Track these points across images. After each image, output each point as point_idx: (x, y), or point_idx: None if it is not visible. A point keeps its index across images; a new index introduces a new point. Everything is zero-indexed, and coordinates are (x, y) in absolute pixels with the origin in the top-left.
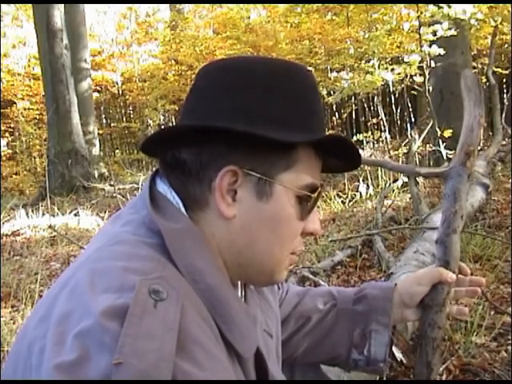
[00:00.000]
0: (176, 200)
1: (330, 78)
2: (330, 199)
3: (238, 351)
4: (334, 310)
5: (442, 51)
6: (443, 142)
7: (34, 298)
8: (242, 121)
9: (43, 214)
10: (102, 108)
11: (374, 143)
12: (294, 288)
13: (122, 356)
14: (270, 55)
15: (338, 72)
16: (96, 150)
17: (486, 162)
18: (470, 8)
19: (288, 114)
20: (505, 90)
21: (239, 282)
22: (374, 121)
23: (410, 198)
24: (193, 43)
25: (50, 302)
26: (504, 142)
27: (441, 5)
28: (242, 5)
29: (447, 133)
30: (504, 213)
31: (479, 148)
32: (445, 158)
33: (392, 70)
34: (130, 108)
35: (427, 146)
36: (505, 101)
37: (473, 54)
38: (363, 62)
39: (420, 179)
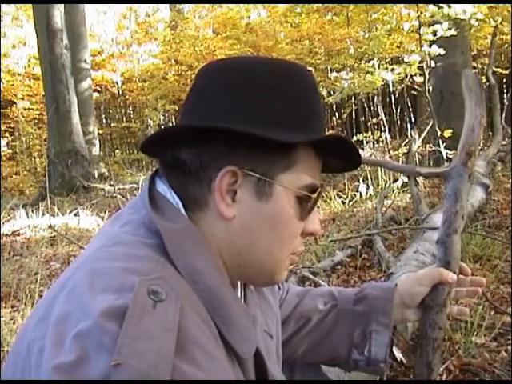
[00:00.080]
0: (175, 200)
1: (330, 78)
2: (330, 199)
3: (238, 352)
4: (335, 311)
5: (442, 51)
6: (443, 142)
7: (33, 298)
8: (242, 121)
9: (43, 214)
10: (102, 108)
11: (373, 143)
12: (295, 288)
13: (121, 357)
14: (270, 55)
15: (338, 72)
16: (96, 150)
17: (485, 162)
18: (470, 8)
19: (288, 114)
20: (505, 90)
21: (239, 283)
22: (374, 121)
23: (410, 198)
24: (193, 43)
25: (50, 303)
26: (504, 142)
27: (441, 5)
28: (242, 5)
29: (447, 133)
30: (504, 213)
31: (479, 148)
32: (445, 158)
33: (392, 70)
34: (130, 108)
35: (427, 145)
36: (505, 101)
37: (473, 54)
38: (363, 62)
39: (420, 179)
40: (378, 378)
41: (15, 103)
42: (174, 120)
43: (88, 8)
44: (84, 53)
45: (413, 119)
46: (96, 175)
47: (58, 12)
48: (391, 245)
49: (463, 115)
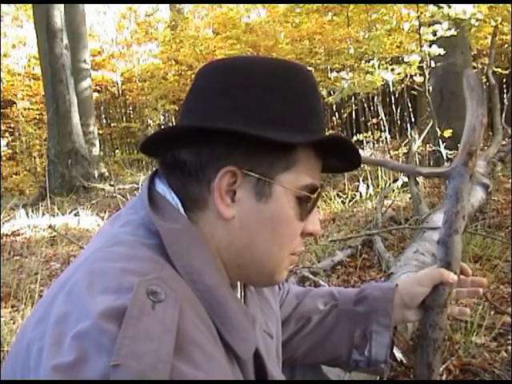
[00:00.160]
0: (175, 200)
1: (330, 78)
2: (330, 199)
3: (237, 352)
4: (335, 311)
5: (442, 51)
6: (443, 142)
7: (34, 298)
8: (242, 121)
9: (43, 214)
10: (102, 108)
11: (373, 143)
12: (295, 289)
13: (120, 357)
14: (270, 55)
15: (338, 72)
16: (96, 150)
17: (485, 162)
18: (470, 8)
19: (288, 114)
20: (505, 90)
21: (239, 283)
22: (374, 121)
23: (410, 198)
24: (193, 43)
25: (49, 303)
26: (504, 142)
27: (441, 5)
28: (242, 5)
29: (447, 133)
30: (504, 213)
31: (480, 148)
32: (445, 158)
33: (392, 70)
34: (130, 108)
35: (427, 145)
36: (505, 101)
37: (473, 54)
38: (363, 62)
39: (420, 179)
40: (377, 378)
41: (15, 103)
42: (174, 120)
43: (88, 8)
44: (84, 53)
45: (413, 119)
46: (96, 175)
47: (58, 12)
48: (391, 245)
49: (463, 115)
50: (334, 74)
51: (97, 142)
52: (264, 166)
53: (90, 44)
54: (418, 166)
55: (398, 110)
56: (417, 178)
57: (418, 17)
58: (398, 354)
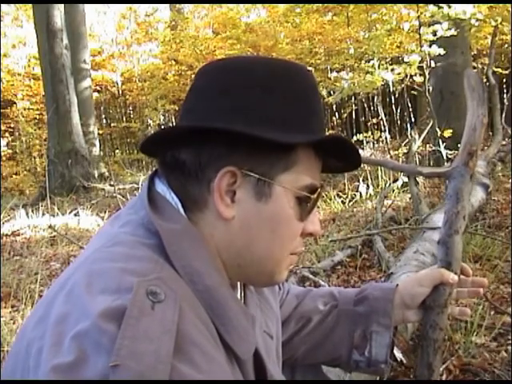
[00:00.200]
0: (175, 201)
1: (330, 78)
2: (330, 199)
3: (236, 353)
4: (335, 311)
5: (442, 51)
6: (443, 142)
7: (34, 298)
8: (242, 121)
9: (43, 214)
10: (101, 108)
11: (373, 143)
12: (295, 289)
13: (120, 358)
14: (270, 55)
15: (338, 72)
16: (96, 150)
17: (485, 162)
18: (470, 8)
19: (288, 114)
20: (505, 90)
21: (238, 283)
22: (374, 121)
23: (410, 198)
24: (193, 43)
25: (49, 303)
26: (504, 142)
27: (441, 5)
28: (242, 5)
29: (447, 133)
30: (504, 213)
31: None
32: (445, 158)
33: (392, 70)
34: (130, 108)
35: (427, 145)
36: (505, 101)
37: (473, 54)
38: (363, 62)
39: (420, 179)
40: (377, 378)
41: (15, 103)
42: (174, 120)
43: (88, 8)
44: (84, 53)
45: (413, 119)
46: (96, 175)
47: (58, 12)
48: (391, 245)
49: (463, 115)
50: (334, 74)
51: (97, 142)
52: (264, 166)
53: (90, 44)
54: (418, 165)
55: (398, 110)
56: (417, 178)
57: (418, 17)
58: (398, 354)
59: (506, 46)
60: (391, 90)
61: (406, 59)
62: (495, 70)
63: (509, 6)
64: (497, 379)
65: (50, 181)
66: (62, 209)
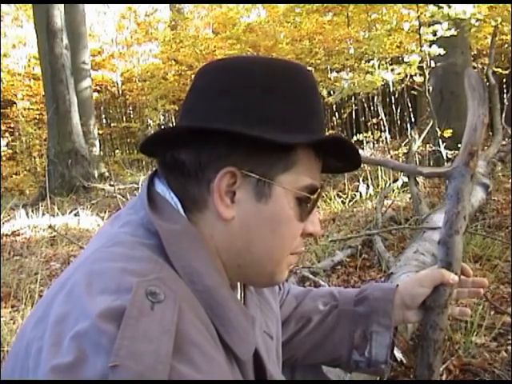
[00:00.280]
0: (174, 201)
1: (330, 78)
2: (330, 199)
3: (236, 353)
4: (335, 311)
5: (442, 51)
6: (443, 142)
7: (34, 298)
8: (241, 122)
9: (43, 214)
10: (101, 108)
11: (374, 143)
12: (295, 289)
13: (119, 358)
14: (270, 55)
15: (337, 72)
16: (96, 150)
17: (486, 162)
18: (470, 8)
19: (288, 114)
20: (505, 90)
21: (238, 284)
22: (374, 121)
23: (410, 198)
24: (193, 43)
25: (48, 303)
26: (504, 142)
27: (441, 5)
28: (241, 5)
29: (447, 133)
30: (504, 213)
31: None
32: (445, 158)
33: (392, 70)
34: (130, 108)
35: (427, 145)
36: (505, 101)
37: (473, 53)
38: (363, 62)
39: (420, 179)
40: (378, 378)
41: (15, 103)
42: (174, 120)
43: (88, 8)
44: (84, 53)
45: (413, 119)
46: (96, 175)
47: (58, 12)
48: (391, 245)
49: (463, 115)
50: (334, 74)
51: (97, 142)
52: (264, 166)
53: (90, 44)
54: (418, 165)
55: (398, 110)
56: (417, 178)
57: (418, 17)
58: (398, 354)
59: (506, 45)
60: (391, 90)
61: (406, 59)
62: (495, 70)
63: (509, 6)
64: (497, 379)
65: (50, 181)
66: (62, 209)
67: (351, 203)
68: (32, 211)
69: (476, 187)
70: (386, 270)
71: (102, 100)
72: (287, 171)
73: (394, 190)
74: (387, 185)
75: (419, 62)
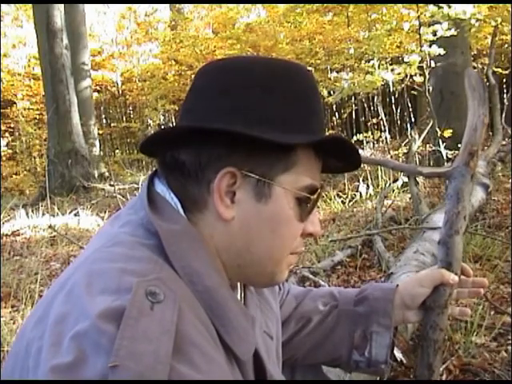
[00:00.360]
0: (174, 201)
1: (330, 78)
2: (330, 199)
3: (236, 353)
4: (335, 311)
5: (442, 51)
6: (443, 142)
7: (34, 298)
8: (241, 122)
9: (43, 214)
10: (101, 108)
11: (373, 143)
12: (295, 289)
13: (119, 358)
14: (270, 55)
15: (337, 72)
16: (96, 150)
17: (486, 162)
18: (470, 8)
19: (288, 114)
20: (505, 90)
21: (239, 284)
22: (374, 121)
23: (410, 198)
24: (193, 43)
25: (48, 303)
26: (504, 142)
27: (441, 5)
28: (241, 5)
29: (447, 133)
30: (504, 213)
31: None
32: (445, 158)
33: (392, 70)
34: (130, 108)
35: (427, 145)
36: (505, 101)
37: (473, 53)
38: (363, 62)
39: (420, 179)
40: (378, 379)
41: (15, 103)
42: (174, 120)
43: (88, 8)
44: (84, 53)
45: (413, 119)
46: (96, 175)
47: (58, 12)
48: (391, 245)
49: (463, 115)
50: (334, 74)
51: (97, 142)
52: (264, 166)
53: (90, 44)
54: (418, 165)
55: (398, 110)
56: (417, 178)
57: (418, 17)
58: (398, 354)
59: (506, 45)
60: (391, 90)
61: (406, 59)
62: (495, 70)
63: (509, 6)
64: (497, 379)
65: (50, 181)
66: (62, 209)
67: (351, 203)
68: (32, 211)
69: (476, 187)
70: (386, 270)
71: (102, 100)
72: (287, 171)
73: (393, 190)
74: (387, 185)
75: (419, 62)
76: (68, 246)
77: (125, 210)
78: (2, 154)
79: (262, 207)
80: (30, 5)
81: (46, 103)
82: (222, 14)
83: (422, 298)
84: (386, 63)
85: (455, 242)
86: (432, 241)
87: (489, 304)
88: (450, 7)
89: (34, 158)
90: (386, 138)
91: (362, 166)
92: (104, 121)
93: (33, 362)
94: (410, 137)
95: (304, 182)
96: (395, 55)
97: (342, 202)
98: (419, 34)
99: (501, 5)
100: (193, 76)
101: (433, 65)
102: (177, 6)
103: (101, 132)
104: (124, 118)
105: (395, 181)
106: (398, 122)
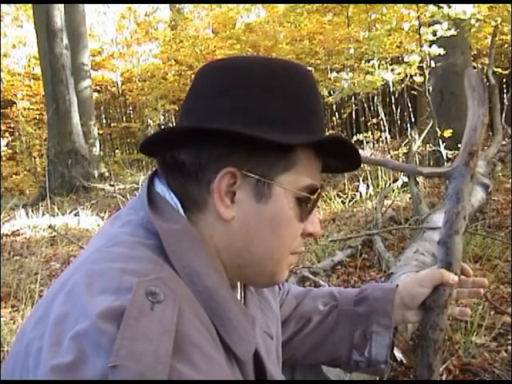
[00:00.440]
0: (174, 201)
1: (330, 78)
2: (330, 199)
3: (236, 353)
4: (335, 311)
5: (442, 51)
6: (443, 142)
7: (34, 298)
8: (241, 122)
9: (43, 214)
10: (101, 108)
11: (373, 143)
12: (295, 289)
13: (119, 358)
14: (270, 55)
15: (337, 72)
16: (96, 150)
17: (486, 162)
18: (470, 8)
19: (288, 114)
20: (505, 90)
21: (239, 284)
22: (374, 121)
23: (410, 198)
24: (193, 43)
25: (48, 303)
26: (504, 142)
27: (441, 5)
28: (241, 5)
29: (447, 133)
30: (504, 213)
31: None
32: (445, 158)
33: (392, 70)
34: (130, 108)
35: (427, 145)
36: (505, 101)
37: (473, 53)
38: (363, 62)
39: (420, 179)
40: (378, 379)
41: (15, 103)
42: (174, 120)
43: (88, 8)
44: (84, 53)
45: (413, 119)
46: (96, 175)
47: (58, 12)
48: (391, 245)
49: (463, 115)
50: (334, 74)
51: (97, 142)
52: (264, 166)
53: (90, 44)
54: (418, 165)
55: (398, 110)
56: (417, 178)
57: (418, 17)
58: (398, 354)
59: (506, 45)
60: (391, 89)
61: (406, 59)
62: (495, 70)
63: (509, 6)
64: (497, 379)
65: (50, 181)
66: (62, 209)
67: (351, 203)
68: (32, 211)
69: (476, 187)
70: (386, 270)
71: (102, 100)
72: (287, 171)
73: (393, 190)
74: (387, 185)
75: (419, 62)
76: (68, 245)
77: (125, 210)
78: (2, 153)
79: (262, 207)
80: (30, 5)
81: (46, 103)
82: (221, 13)
83: (421, 298)
84: (386, 63)
85: (455, 242)
86: (432, 241)
87: (489, 304)
88: (449, 7)
89: (34, 158)
90: (385, 138)
91: (362, 165)
92: (104, 121)
93: (33, 362)
94: (409, 137)
95: (304, 182)
96: (395, 55)
97: (342, 202)
98: (419, 34)
99: (501, 5)
100: (193, 76)
101: (433, 65)
102: (177, 6)
103: (101, 132)
104: (124, 118)
105: (395, 181)
106: (398, 122)
